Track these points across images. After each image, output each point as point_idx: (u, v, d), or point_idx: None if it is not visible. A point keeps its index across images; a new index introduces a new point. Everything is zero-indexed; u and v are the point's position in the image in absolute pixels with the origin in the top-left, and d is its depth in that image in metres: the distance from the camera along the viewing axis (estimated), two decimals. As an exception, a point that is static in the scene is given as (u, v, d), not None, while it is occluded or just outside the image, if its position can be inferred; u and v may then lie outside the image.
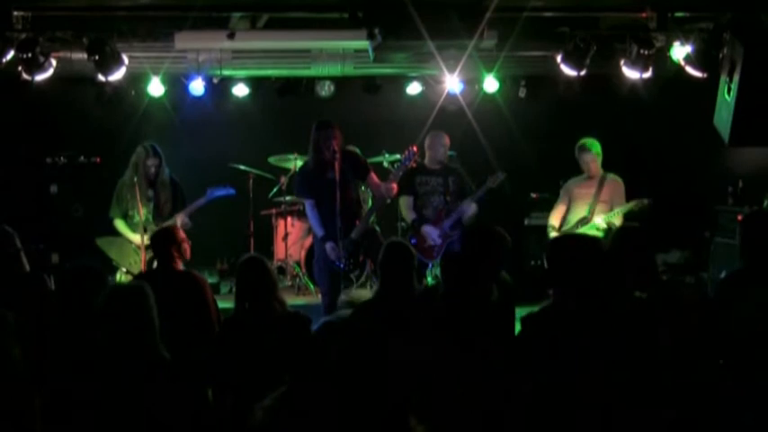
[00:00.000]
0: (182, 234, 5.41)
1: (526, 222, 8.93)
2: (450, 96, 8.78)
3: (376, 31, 6.38)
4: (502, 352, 4.10)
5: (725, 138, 6.72)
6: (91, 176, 8.65)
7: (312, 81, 9.17)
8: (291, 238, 8.82)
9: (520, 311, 4.81)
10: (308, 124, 6.70)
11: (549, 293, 3.78)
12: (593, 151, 7.14)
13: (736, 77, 6.47)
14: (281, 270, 8.88)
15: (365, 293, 5.04)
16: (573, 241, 4.02)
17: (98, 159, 8.75)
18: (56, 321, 3.96)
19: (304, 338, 4.13)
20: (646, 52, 7.15)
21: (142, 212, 6.94)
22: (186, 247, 5.38)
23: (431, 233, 7.16)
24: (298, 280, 8.74)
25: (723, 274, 5.32)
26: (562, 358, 3.44)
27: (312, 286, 8.41)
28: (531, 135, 9.22)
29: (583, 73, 7.43)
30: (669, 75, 7.72)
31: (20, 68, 6.97)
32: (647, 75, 7.38)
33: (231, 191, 7.38)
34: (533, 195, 9.03)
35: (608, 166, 7.35)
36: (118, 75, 7.26)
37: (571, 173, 7.43)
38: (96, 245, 7.12)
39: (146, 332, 3.41)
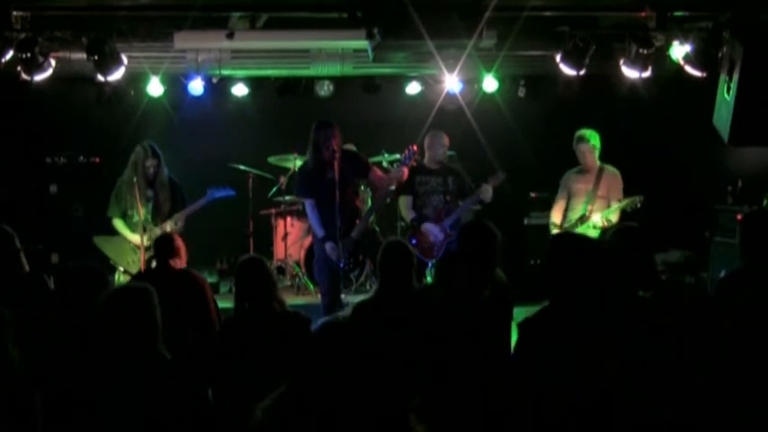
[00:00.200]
0: (179, 242, 5.42)
1: (525, 222, 8.93)
2: (450, 96, 8.79)
3: (375, 30, 6.38)
4: (499, 351, 4.11)
5: (724, 137, 6.73)
6: (90, 176, 8.65)
7: (311, 81, 9.17)
8: (291, 238, 8.82)
9: (519, 311, 4.82)
10: (307, 124, 6.70)
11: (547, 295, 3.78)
12: (590, 142, 7.17)
13: (736, 77, 6.48)
14: (281, 270, 8.88)
15: None
16: (573, 241, 4.02)
17: (97, 159, 8.75)
18: (56, 321, 3.95)
19: (304, 338, 4.15)
20: (645, 52, 7.15)
21: (141, 212, 6.94)
22: (183, 251, 5.40)
23: (432, 230, 7.16)
24: (297, 280, 8.74)
25: (723, 274, 5.33)
26: (561, 360, 3.44)
27: (312, 286, 8.41)
28: (530, 134, 9.23)
29: (582, 72, 7.43)
30: (668, 74, 7.72)
31: (19, 68, 6.97)
32: (647, 74, 7.39)
33: (231, 192, 7.39)
34: (533, 195, 9.04)
35: (609, 164, 7.35)
36: (117, 75, 7.26)
37: (573, 167, 7.42)
38: (94, 243, 7.12)
39: (148, 332, 3.42)
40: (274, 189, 8.91)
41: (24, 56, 6.80)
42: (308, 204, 6.70)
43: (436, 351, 3.92)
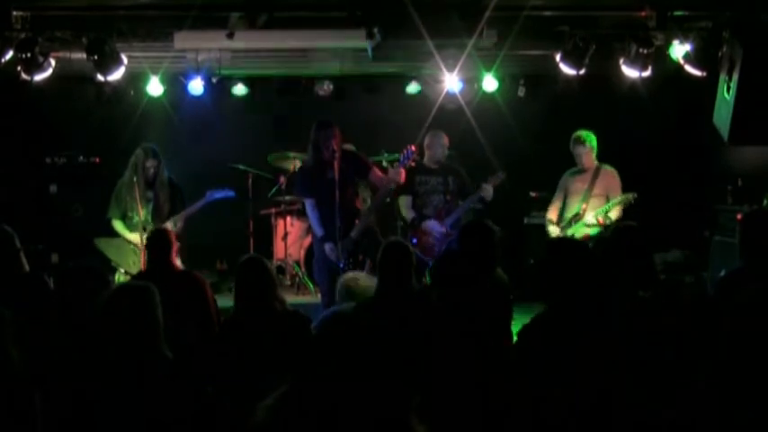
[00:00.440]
0: (173, 236, 5.43)
1: (526, 221, 8.94)
2: (450, 95, 8.79)
3: (375, 30, 6.39)
4: (499, 351, 4.10)
5: (724, 136, 6.73)
6: (90, 176, 8.67)
7: (311, 80, 9.17)
8: (291, 238, 8.83)
9: (519, 310, 4.83)
10: (307, 124, 6.70)
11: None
12: (586, 144, 7.20)
13: (736, 76, 6.48)
14: (281, 269, 8.89)
15: (362, 279, 5.01)
16: (566, 247, 4.02)
17: (97, 159, 8.76)
18: (56, 321, 3.95)
19: (304, 338, 4.15)
20: (645, 51, 7.14)
21: (141, 213, 6.94)
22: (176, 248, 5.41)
23: (432, 229, 7.15)
24: (297, 279, 8.75)
25: (723, 273, 5.32)
26: (561, 361, 3.44)
27: (311, 285, 8.42)
28: (530, 134, 9.23)
29: (582, 72, 7.42)
30: (668, 74, 7.72)
31: (19, 68, 6.96)
32: (647, 74, 7.37)
33: (231, 193, 7.38)
34: (533, 194, 9.04)
35: (607, 163, 7.36)
36: (117, 74, 7.26)
37: (575, 163, 7.42)
38: (95, 246, 7.12)
39: (150, 331, 3.42)
40: (274, 189, 8.91)
41: (24, 56, 6.80)
42: (309, 204, 6.71)
43: (436, 351, 3.92)
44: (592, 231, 7.14)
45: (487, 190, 7.07)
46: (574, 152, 7.28)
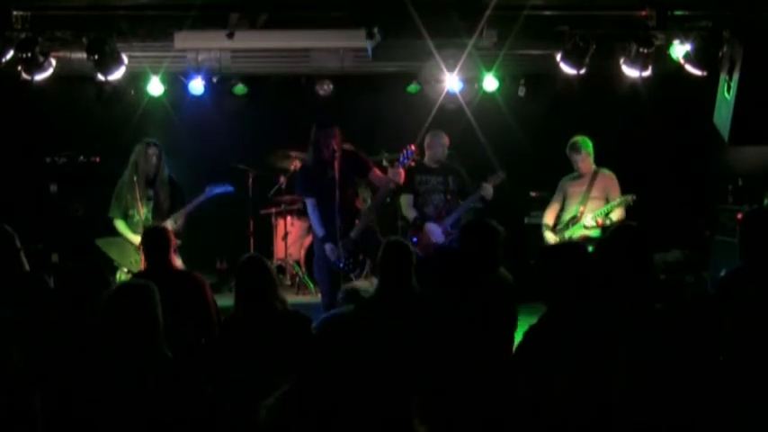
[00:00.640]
0: (170, 235, 5.43)
1: (526, 221, 8.94)
2: (450, 95, 8.77)
3: (375, 29, 6.38)
4: (502, 351, 4.11)
5: (725, 136, 6.73)
6: (91, 176, 8.66)
7: (311, 80, 9.17)
8: (291, 238, 8.83)
9: (521, 310, 4.82)
10: (307, 123, 6.70)
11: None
12: (582, 150, 7.23)
13: (736, 76, 6.48)
14: (281, 269, 8.89)
15: (364, 284, 5.02)
16: (562, 251, 4.03)
17: (98, 159, 8.76)
18: (56, 321, 3.96)
19: (304, 337, 4.15)
20: (645, 51, 7.14)
21: (142, 212, 6.94)
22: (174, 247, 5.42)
23: (433, 230, 7.16)
24: (297, 279, 8.75)
25: (723, 273, 5.32)
26: (563, 362, 3.44)
27: (312, 285, 8.42)
28: (530, 134, 9.22)
29: (582, 72, 7.42)
30: (669, 73, 7.71)
31: (19, 68, 6.96)
32: (647, 73, 7.37)
33: (230, 188, 7.36)
34: (533, 194, 9.04)
35: (607, 164, 7.36)
36: (117, 74, 7.26)
37: (571, 171, 7.45)
38: (96, 246, 7.11)
39: (150, 330, 3.42)
40: (275, 188, 8.91)
41: (25, 55, 6.80)
42: (309, 204, 6.71)
43: (437, 351, 3.92)
44: (590, 233, 7.14)
45: (488, 189, 7.08)
46: (570, 158, 7.31)
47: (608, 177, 7.26)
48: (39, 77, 7.04)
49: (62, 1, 6.85)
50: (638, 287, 3.94)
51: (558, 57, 7.48)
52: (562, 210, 7.39)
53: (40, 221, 8.30)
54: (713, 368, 3.11)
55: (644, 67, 7.30)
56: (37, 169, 8.73)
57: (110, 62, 7.11)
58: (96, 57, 7.02)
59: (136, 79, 8.28)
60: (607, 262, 4.10)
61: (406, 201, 7.31)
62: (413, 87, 9.29)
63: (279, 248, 8.98)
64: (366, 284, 5.06)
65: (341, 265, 6.53)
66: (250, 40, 7.70)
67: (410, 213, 7.27)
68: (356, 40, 6.99)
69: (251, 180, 8.83)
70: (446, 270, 4.32)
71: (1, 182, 8.56)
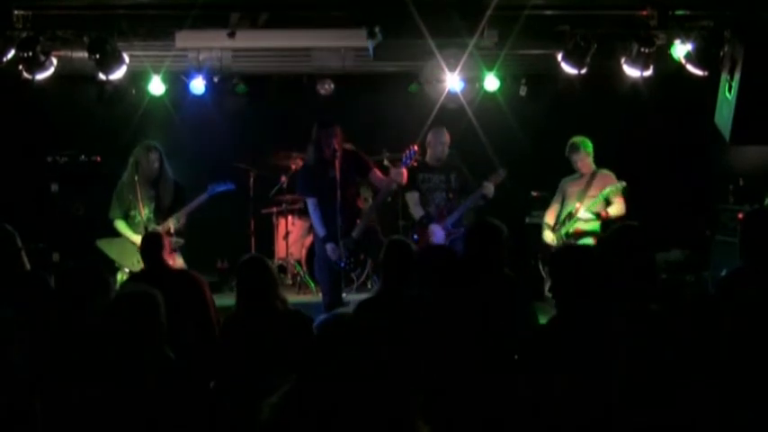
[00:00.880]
0: (166, 240, 5.45)
1: (527, 220, 8.93)
2: (451, 95, 8.77)
3: (376, 29, 6.38)
4: (505, 351, 4.10)
5: (726, 136, 6.73)
6: (92, 175, 8.66)
7: (312, 79, 9.17)
8: (292, 237, 8.83)
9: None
10: (308, 123, 6.70)
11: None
12: (581, 151, 7.27)
13: (737, 76, 6.48)
14: (282, 269, 8.89)
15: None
16: (572, 253, 4.04)
17: (98, 158, 8.76)
18: (56, 321, 3.96)
19: (305, 337, 4.15)
20: (646, 50, 7.14)
21: (143, 212, 6.93)
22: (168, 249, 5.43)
23: (436, 232, 7.16)
24: (298, 278, 8.75)
25: (724, 273, 5.32)
26: (563, 364, 3.45)
27: (313, 285, 8.41)
28: (531, 133, 9.22)
29: (583, 71, 7.42)
30: (670, 73, 7.71)
31: (20, 67, 6.96)
32: (648, 73, 7.38)
33: (231, 186, 7.36)
34: (534, 194, 9.03)
35: (608, 164, 7.37)
36: (119, 73, 7.26)
37: (572, 171, 7.47)
38: (97, 247, 7.10)
39: (153, 335, 3.42)
40: (276, 188, 8.91)
41: (26, 55, 6.81)
42: (311, 203, 6.71)
43: (438, 351, 3.92)
44: (587, 227, 7.18)
45: (489, 188, 7.09)
46: (570, 159, 7.34)
47: (607, 176, 7.30)
48: (40, 77, 7.05)
49: (63, 0, 6.85)
50: (639, 287, 3.94)
51: (560, 56, 7.49)
52: (561, 209, 7.43)
53: (40, 221, 8.30)
54: (713, 368, 3.10)
55: (645, 67, 7.30)
56: (38, 168, 8.73)
57: (111, 61, 7.11)
58: (97, 56, 7.02)
59: (137, 79, 8.28)
60: (608, 262, 4.09)
61: (412, 199, 7.31)
62: (414, 87, 9.29)
63: (280, 248, 8.98)
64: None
65: (342, 264, 6.53)
66: (251, 39, 7.70)
67: (417, 211, 7.27)
68: (357, 39, 6.98)
69: (252, 179, 8.83)
70: (432, 268, 4.32)
71: (2, 181, 8.56)
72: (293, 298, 7.80)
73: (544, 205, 7.96)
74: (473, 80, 8.78)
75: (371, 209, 6.92)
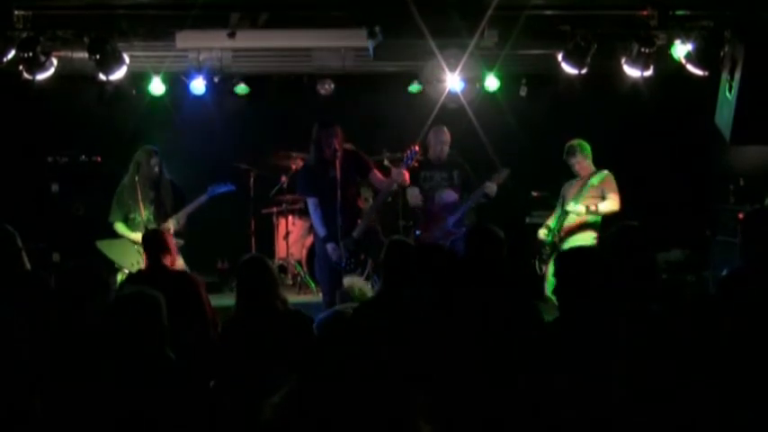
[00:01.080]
0: (169, 237, 5.46)
1: (527, 221, 8.93)
2: (451, 95, 8.76)
3: (377, 29, 6.38)
4: (506, 352, 4.10)
5: (726, 136, 6.73)
6: (92, 175, 8.67)
7: (313, 79, 9.17)
8: (292, 237, 8.83)
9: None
10: (308, 123, 6.70)
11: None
12: (578, 154, 7.28)
13: (738, 76, 6.48)
14: (283, 269, 8.89)
15: (359, 283, 5.03)
16: (579, 256, 4.04)
17: (99, 158, 8.76)
18: (56, 321, 3.96)
19: (306, 337, 4.15)
20: (647, 50, 7.14)
21: (144, 214, 6.94)
22: (173, 248, 5.43)
23: (435, 236, 7.16)
24: (299, 278, 8.75)
25: (724, 273, 5.33)
26: (563, 363, 3.45)
27: (313, 285, 8.41)
28: (531, 133, 9.22)
29: (584, 71, 7.42)
30: (670, 73, 7.71)
31: (21, 68, 6.97)
32: (648, 73, 7.38)
33: (231, 187, 7.37)
34: (534, 194, 9.03)
35: (608, 164, 7.36)
36: (119, 74, 7.26)
37: (572, 171, 7.46)
38: (97, 249, 7.10)
39: (155, 335, 3.42)
40: (276, 188, 8.91)
41: (26, 55, 6.81)
42: (311, 203, 6.71)
43: (439, 351, 3.92)
44: (583, 220, 7.16)
45: (491, 187, 7.09)
46: (568, 162, 7.33)
47: (604, 176, 7.27)
48: (40, 77, 7.05)
49: (63, 0, 6.85)
50: (639, 287, 3.94)
51: (560, 56, 7.49)
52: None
53: (41, 221, 8.31)
54: (713, 368, 3.10)
55: (645, 67, 7.30)
56: (38, 169, 8.74)
57: (111, 62, 7.11)
58: (98, 56, 7.02)
59: (137, 79, 8.29)
60: (609, 262, 4.10)
61: (411, 192, 7.29)
62: (414, 87, 9.29)
63: (280, 248, 8.98)
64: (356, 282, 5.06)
65: (342, 264, 6.52)
66: (251, 39, 7.70)
67: (415, 199, 7.25)
68: (357, 39, 6.98)
69: (252, 179, 8.84)
70: (432, 268, 4.33)
71: (2, 181, 8.57)
72: (294, 298, 7.79)
73: (544, 205, 7.97)
74: (473, 80, 8.78)
75: (372, 209, 6.92)
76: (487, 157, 8.17)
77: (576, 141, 7.31)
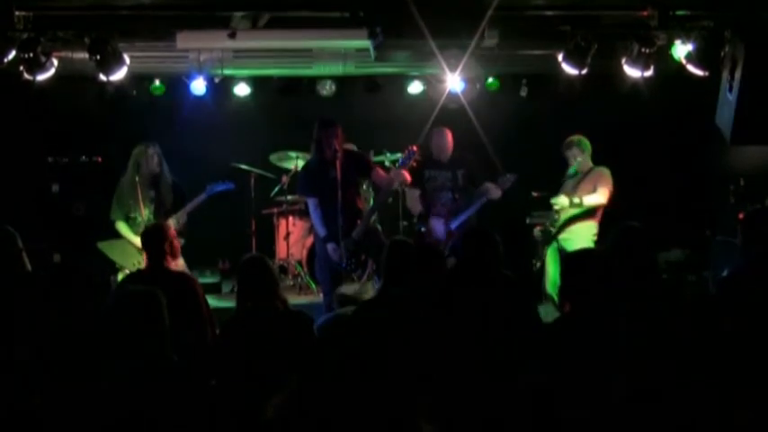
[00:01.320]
0: (172, 231, 5.43)
1: (528, 221, 8.92)
2: (452, 95, 8.78)
3: (377, 30, 6.38)
4: (506, 351, 4.11)
5: (726, 136, 6.72)
6: (92, 176, 8.67)
7: (313, 80, 9.18)
8: (293, 238, 8.83)
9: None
10: (309, 123, 6.71)
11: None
12: (574, 148, 7.33)
13: (738, 76, 6.47)
14: (283, 269, 8.89)
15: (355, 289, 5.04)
16: (585, 257, 4.05)
17: (99, 159, 8.76)
18: (56, 321, 3.96)
19: (306, 337, 4.16)
20: (647, 51, 7.14)
21: (144, 213, 6.94)
22: (176, 244, 5.41)
23: (437, 227, 7.17)
24: (299, 279, 8.75)
25: (724, 273, 5.34)
26: (564, 363, 3.45)
27: (314, 285, 8.42)
28: (532, 134, 9.22)
29: (584, 71, 7.42)
30: (670, 73, 7.71)
31: (21, 68, 6.97)
32: (649, 73, 7.37)
33: (230, 186, 7.37)
34: (534, 194, 9.01)
35: (609, 163, 7.36)
36: (119, 74, 7.25)
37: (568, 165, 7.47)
38: (98, 249, 7.10)
39: (155, 335, 3.43)
40: (276, 188, 8.92)
41: (27, 56, 6.80)
42: (311, 203, 6.71)
43: (439, 351, 3.93)
44: (571, 213, 7.23)
45: (495, 192, 7.08)
46: (564, 154, 7.34)
47: (598, 174, 7.29)
48: (41, 77, 7.04)
49: (64, 1, 6.86)
50: (639, 287, 3.95)
51: (560, 57, 7.48)
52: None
53: (41, 221, 8.31)
54: (713, 368, 3.10)
55: (646, 67, 7.30)
56: (39, 169, 8.74)
57: (112, 62, 7.11)
58: (98, 57, 7.02)
59: (138, 79, 8.28)
60: (609, 262, 4.10)
61: (411, 194, 7.28)
62: (414, 88, 9.29)
63: (281, 248, 8.98)
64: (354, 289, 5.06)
65: (343, 265, 6.53)
66: (252, 40, 7.70)
67: (415, 207, 7.25)
68: (358, 40, 6.99)
69: (253, 180, 8.84)
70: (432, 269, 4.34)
71: (3, 182, 8.57)
72: (294, 299, 7.81)
73: (544, 205, 7.96)
74: (474, 80, 8.79)
75: (372, 209, 6.92)
76: (488, 157, 8.18)
77: (576, 137, 7.33)
